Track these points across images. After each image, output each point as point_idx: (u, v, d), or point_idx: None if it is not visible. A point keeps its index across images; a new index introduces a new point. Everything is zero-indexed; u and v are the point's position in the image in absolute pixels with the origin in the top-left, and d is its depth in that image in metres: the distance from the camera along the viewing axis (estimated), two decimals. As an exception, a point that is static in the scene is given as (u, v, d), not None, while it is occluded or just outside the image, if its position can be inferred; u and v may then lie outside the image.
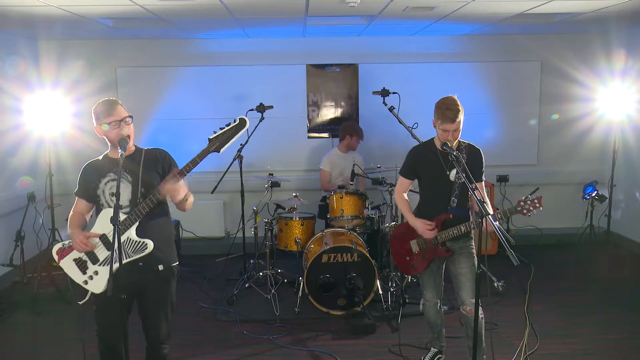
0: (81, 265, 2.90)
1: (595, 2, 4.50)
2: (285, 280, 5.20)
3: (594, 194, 6.29)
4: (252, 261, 5.51)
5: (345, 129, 5.80)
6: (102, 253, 2.87)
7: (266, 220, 5.12)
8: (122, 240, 2.79)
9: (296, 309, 4.61)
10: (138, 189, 2.85)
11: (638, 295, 5.02)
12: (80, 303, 2.93)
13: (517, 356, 3.78)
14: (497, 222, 2.93)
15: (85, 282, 2.90)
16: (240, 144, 5.27)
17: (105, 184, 2.88)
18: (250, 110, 5.26)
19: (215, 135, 2.79)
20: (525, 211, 3.08)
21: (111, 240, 2.78)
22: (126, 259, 2.81)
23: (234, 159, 5.26)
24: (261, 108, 5.26)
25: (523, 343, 3.83)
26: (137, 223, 2.82)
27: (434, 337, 3.64)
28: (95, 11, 4.63)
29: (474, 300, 3.19)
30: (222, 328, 4.42)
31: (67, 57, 6.16)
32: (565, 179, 6.76)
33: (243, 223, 5.50)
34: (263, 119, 5.29)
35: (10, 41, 5.63)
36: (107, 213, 2.79)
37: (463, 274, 3.32)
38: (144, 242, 2.82)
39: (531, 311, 4.35)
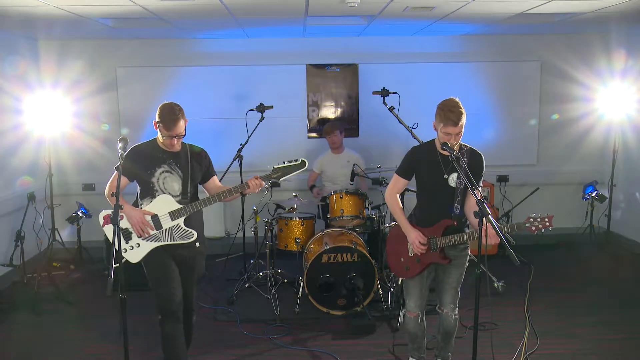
0: (126, 235, 3.23)
1: (595, 2, 4.50)
2: (285, 280, 5.20)
3: (594, 194, 6.30)
4: (252, 261, 5.51)
5: (324, 131, 5.89)
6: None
7: (266, 220, 5.12)
8: (172, 225, 3.21)
9: (296, 309, 4.61)
10: (188, 183, 3.26)
11: (638, 295, 5.02)
12: (115, 266, 2.87)
13: (517, 356, 3.78)
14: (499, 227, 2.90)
15: (125, 250, 3.22)
16: (240, 144, 5.27)
17: (161, 174, 3.22)
18: (250, 110, 5.27)
19: (279, 166, 3.35)
20: (533, 228, 3.01)
21: (161, 221, 3.20)
22: (170, 241, 3.23)
23: (234, 159, 5.26)
24: (261, 108, 5.26)
25: (523, 343, 3.83)
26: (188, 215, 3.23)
27: (413, 347, 3.56)
28: (95, 11, 4.63)
29: (453, 305, 3.35)
30: (222, 328, 4.42)
31: (67, 57, 6.15)
32: (565, 179, 6.76)
33: (243, 223, 5.50)
34: (263, 119, 5.29)
35: (10, 41, 5.63)
36: (163, 199, 3.20)
37: (449, 283, 3.33)
38: (191, 231, 3.26)
39: (531, 311, 4.35)
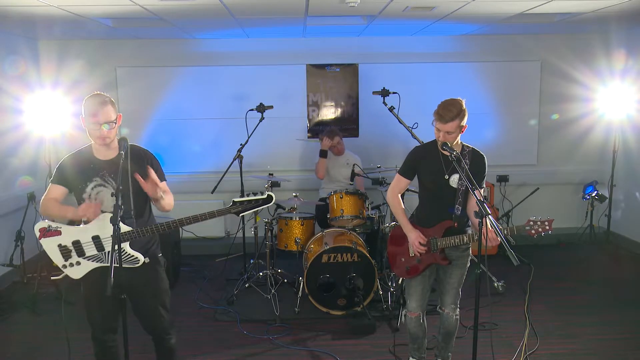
0: (65, 253, 2.90)
1: (595, 2, 4.50)
2: (285, 280, 5.20)
3: (594, 194, 6.30)
4: (252, 261, 5.51)
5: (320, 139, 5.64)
6: (90, 250, 2.88)
7: (266, 220, 5.12)
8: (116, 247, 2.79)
9: (296, 309, 4.61)
10: (129, 197, 2.84)
11: (638, 295, 5.02)
12: (52, 278, 3.03)
13: (517, 356, 3.78)
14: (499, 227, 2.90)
15: (64, 267, 2.92)
16: (240, 144, 5.27)
17: (93, 188, 2.86)
18: (250, 110, 5.27)
19: (240, 199, 2.87)
20: (533, 232, 3.02)
21: (103, 243, 2.86)
22: (115, 263, 2.81)
23: (234, 159, 5.26)
24: (261, 108, 5.26)
25: (523, 343, 3.84)
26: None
27: (413, 347, 3.57)
28: (95, 11, 4.63)
29: (454, 306, 3.36)
30: (222, 328, 4.42)
31: (67, 57, 6.16)
32: (565, 179, 6.76)
33: (243, 223, 5.50)
34: (263, 119, 5.29)
35: (10, 41, 5.63)
36: (105, 217, 2.78)
37: (450, 283, 3.34)
38: (136, 257, 2.87)
39: (531, 311, 4.35)
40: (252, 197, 2.85)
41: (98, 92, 2.88)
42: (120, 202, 2.74)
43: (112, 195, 2.81)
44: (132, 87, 6.36)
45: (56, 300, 4.92)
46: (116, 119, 2.84)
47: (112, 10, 4.61)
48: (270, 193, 2.89)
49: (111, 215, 2.72)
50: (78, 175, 2.86)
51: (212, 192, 5.22)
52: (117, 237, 2.58)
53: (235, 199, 2.87)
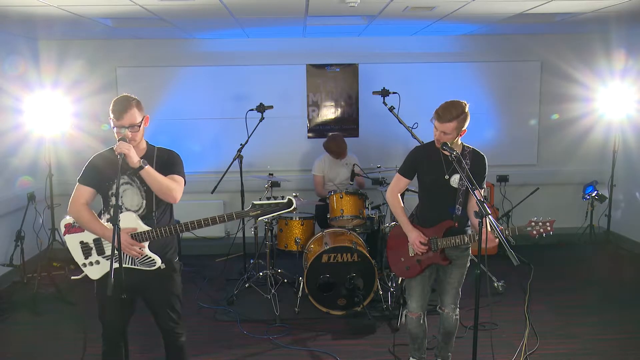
0: (86, 250, 2.93)
1: (595, 2, 4.50)
2: (285, 280, 5.20)
3: (594, 194, 6.30)
4: (252, 261, 5.51)
5: (325, 147, 5.63)
6: (109, 249, 2.90)
7: (266, 220, 5.10)
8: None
9: (296, 309, 4.61)
10: (153, 196, 2.86)
11: (638, 295, 5.02)
12: (73, 278, 3.04)
13: (517, 356, 3.78)
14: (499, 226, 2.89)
15: (84, 265, 2.94)
16: (240, 144, 5.27)
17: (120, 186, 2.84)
18: (250, 110, 5.27)
19: (260, 202, 2.85)
20: (534, 232, 3.02)
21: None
22: (131, 265, 2.86)
23: (234, 159, 5.26)
24: (261, 108, 5.26)
25: (523, 343, 3.84)
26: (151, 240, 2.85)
27: (413, 347, 3.57)
28: (95, 11, 4.63)
29: (454, 306, 3.36)
30: (222, 328, 4.43)
31: (67, 57, 6.15)
32: (565, 179, 6.76)
33: (243, 223, 5.50)
34: (263, 119, 5.29)
35: (10, 41, 5.63)
36: (126, 216, 2.82)
37: (450, 283, 3.34)
38: (153, 259, 2.87)
39: (531, 311, 4.35)
40: (272, 202, 2.84)
41: (125, 95, 2.89)
42: (142, 204, 2.83)
43: (111, 195, 2.87)
44: (132, 87, 6.32)
45: (56, 300, 4.92)
46: (141, 122, 2.87)
47: (112, 10, 4.61)
48: (290, 197, 2.86)
49: (133, 213, 2.82)
50: (106, 173, 2.88)
51: (212, 192, 5.23)
52: (117, 237, 2.59)
53: (255, 202, 2.84)
